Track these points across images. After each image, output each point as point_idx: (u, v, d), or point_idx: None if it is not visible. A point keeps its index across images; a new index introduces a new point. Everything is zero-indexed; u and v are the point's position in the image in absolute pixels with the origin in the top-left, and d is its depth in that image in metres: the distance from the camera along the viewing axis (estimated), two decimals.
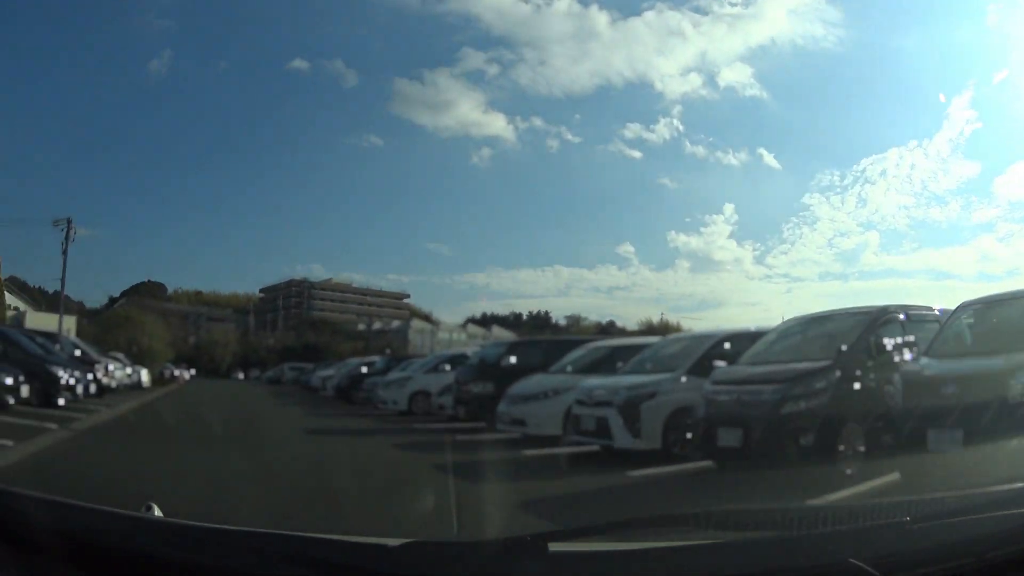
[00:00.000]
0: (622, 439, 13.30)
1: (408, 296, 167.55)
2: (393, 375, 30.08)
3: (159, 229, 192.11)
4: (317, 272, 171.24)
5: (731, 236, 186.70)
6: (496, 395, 18.89)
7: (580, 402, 14.64)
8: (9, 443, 12.83)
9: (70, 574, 1.76)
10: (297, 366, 76.44)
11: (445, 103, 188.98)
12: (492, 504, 8.03)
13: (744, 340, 14.28)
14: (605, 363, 17.35)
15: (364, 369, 37.87)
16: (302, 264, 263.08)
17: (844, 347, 11.41)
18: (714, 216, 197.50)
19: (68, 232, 55.31)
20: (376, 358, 42.34)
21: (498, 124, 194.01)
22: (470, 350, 29.70)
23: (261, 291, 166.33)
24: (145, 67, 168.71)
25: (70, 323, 58.63)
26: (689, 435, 12.73)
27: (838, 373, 11.18)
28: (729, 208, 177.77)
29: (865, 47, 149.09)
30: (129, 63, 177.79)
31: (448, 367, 26.77)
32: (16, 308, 65.97)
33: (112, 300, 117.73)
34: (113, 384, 32.55)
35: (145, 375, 45.69)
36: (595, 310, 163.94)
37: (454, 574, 1.68)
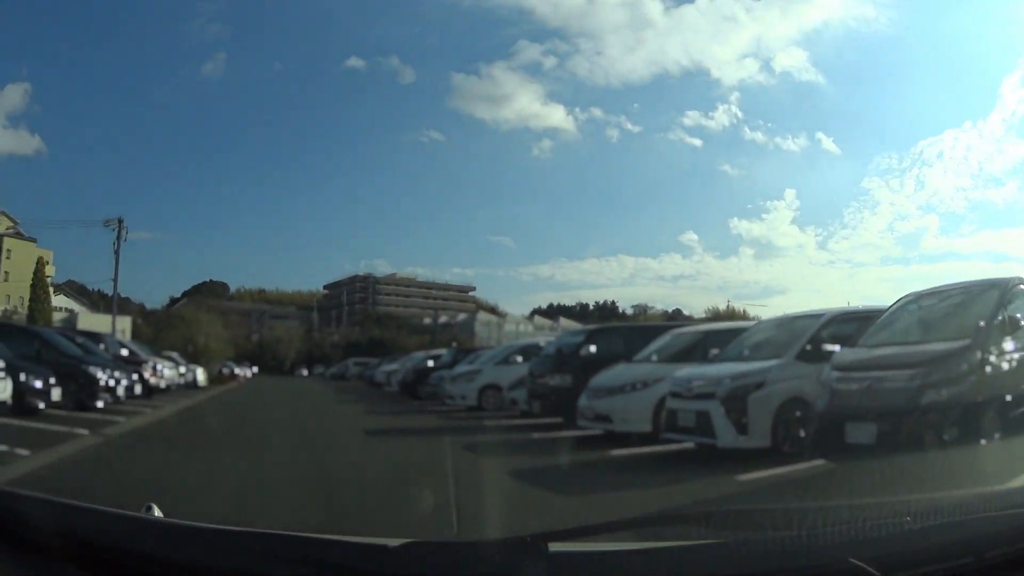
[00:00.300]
0: (726, 436, 11.91)
1: (474, 289, 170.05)
2: (461, 368, 28.53)
3: (221, 230, 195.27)
4: (381, 268, 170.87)
5: (793, 222, 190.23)
6: (575, 388, 17.28)
7: (676, 395, 13.20)
8: (25, 452, 11.67)
9: (70, 574, 1.79)
10: (361, 361, 75.76)
11: (503, 96, 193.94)
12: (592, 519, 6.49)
13: (852, 321, 12.87)
14: (695, 351, 15.90)
15: (430, 363, 36.28)
16: (366, 260, 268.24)
17: (982, 323, 9.87)
18: (775, 202, 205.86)
19: (119, 232, 54.33)
20: (442, 351, 40.50)
21: (557, 116, 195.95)
22: (542, 340, 28.29)
23: (325, 287, 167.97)
24: (199, 70, 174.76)
25: (125, 324, 58.57)
26: (804, 430, 11.32)
27: (979, 354, 9.63)
28: (790, 193, 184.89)
29: (916, 28, 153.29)
30: (182, 67, 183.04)
31: (520, 359, 25.18)
32: (69, 310, 65.99)
33: (173, 301, 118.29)
34: (162, 384, 31.56)
35: (201, 374, 44.72)
36: (660, 299, 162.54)
37: (454, 574, 1.68)
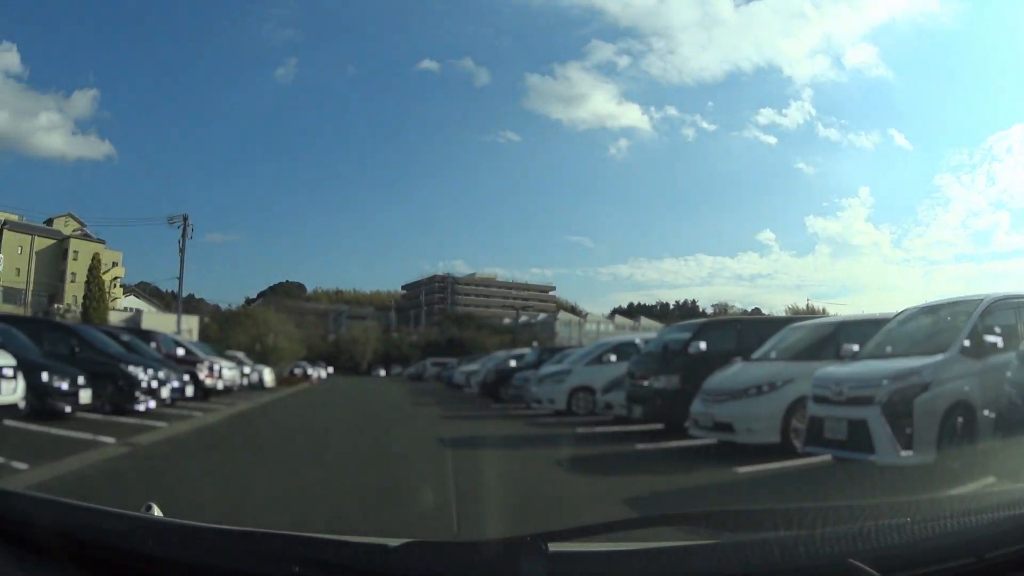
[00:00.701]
0: (886, 451, 9.98)
1: (554, 288, 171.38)
2: (548, 369, 26.15)
3: (298, 233, 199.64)
4: (459, 268, 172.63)
5: (868, 219, 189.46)
6: (682, 391, 15.79)
7: (821, 399, 11.13)
8: (23, 466, 10.23)
9: (70, 574, 1.80)
10: (439, 361, 74.43)
11: (578, 96, 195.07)
12: None
13: (1010, 308, 11.41)
14: (826, 346, 13.93)
15: (512, 363, 34.17)
16: (444, 261, 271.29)
17: None
18: (850, 199, 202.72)
19: (184, 229, 53.28)
20: (525, 350, 38.34)
21: (633, 115, 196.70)
22: (638, 338, 25.42)
23: (403, 288, 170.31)
24: (271, 76, 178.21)
25: (192, 324, 57.71)
26: (970, 441, 9.83)
27: None
28: (864, 191, 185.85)
29: (981, 21, 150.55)
30: (254, 73, 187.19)
31: (614, 358, 22.99)
32: (135, 310, 65.56)
33: (248, 302, 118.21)
34: (220, 386, 29.45)
35: (268, 375, 43.20)
36: (738, 298, 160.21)
37: (454, 574, 1.66)
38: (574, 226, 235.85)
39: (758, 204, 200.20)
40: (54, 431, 13.93)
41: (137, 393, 18.90)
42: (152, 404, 19.42)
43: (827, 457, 11.35)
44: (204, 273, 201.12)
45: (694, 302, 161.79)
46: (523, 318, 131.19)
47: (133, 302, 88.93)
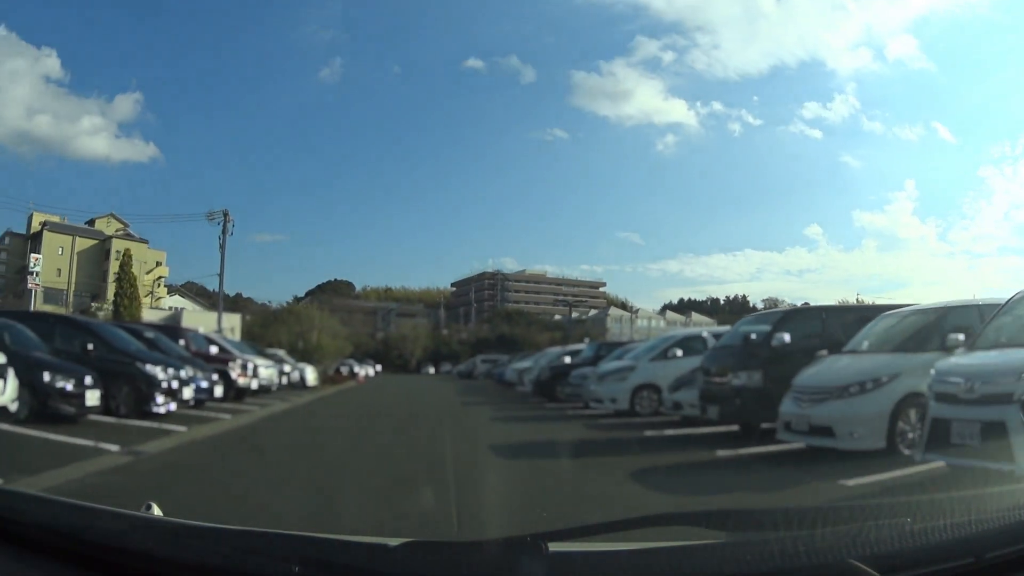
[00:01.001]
0: None
1: (604, 285, 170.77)
2: (609, 365, 24.00)
3: (346, 232, 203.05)
4: (509, 265, 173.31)
5: (914, 213, 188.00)
6: (765, 389, 14.35)
7: (944, 397, 9.41)
8: None
9: (70, 573, 1.82)
10: (490, 358, 73.06)
11: (625, 92, 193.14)
12: None
13: None
14: (930, 335, 12.26)
15: (567, 359, 32.18)
16: (493, 258, 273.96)
17: None
18: (896, 193, 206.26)
19: (224, 225, 51.95)
20: (581, 346, 36.33)
21: (679, 110, 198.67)
22: (705, 331, 23.53)
23: (453, 285, 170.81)
24: (316, 76, 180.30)
25: (235, 322, 56.18)
26: None
27: None
28: (910, 184, 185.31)
29: (1019, 10, 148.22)
30: (299, 74, 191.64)
31: (680, 352, 21.59)
32: (177, 309, 65.02)
33: (297, 300, 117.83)
34: (254, 385, 27.56)
35: (311, 373, 41.30)
36: (787, 293, 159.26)
37: (454, 574, 1.66)
38: (623, 222, 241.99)
39: (805, 198, 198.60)
40: (52, 436, 12.61)
41: (154, 394, 17.29)
42: (173, 406, 17.82)
43: (940, 464, 9.56)
44: (253, 273, 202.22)
45: (744, 297, 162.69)
46: (574, 314, 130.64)
47: (178, 301, 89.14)
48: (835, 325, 15.41)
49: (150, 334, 21.99)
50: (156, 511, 2.11)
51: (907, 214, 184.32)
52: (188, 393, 18.86)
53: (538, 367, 35.19)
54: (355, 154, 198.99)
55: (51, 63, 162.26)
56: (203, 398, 20.55)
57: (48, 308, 58.00)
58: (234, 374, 25.24)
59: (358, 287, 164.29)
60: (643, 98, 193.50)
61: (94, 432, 13.31)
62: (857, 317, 15.09)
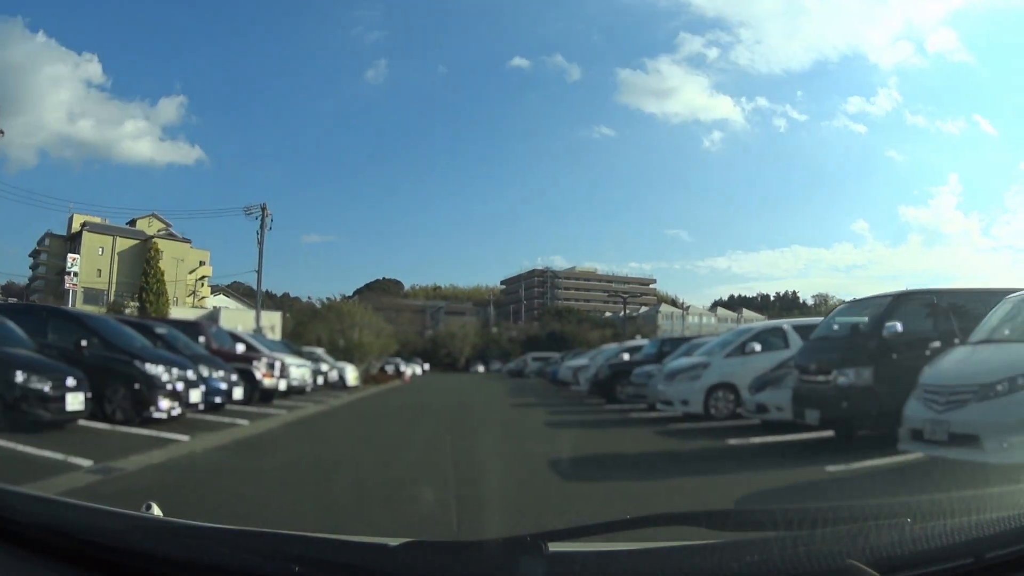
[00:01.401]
0: None
1: (654, 281, 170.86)
2: (678, 362, 21.43)
3: (394, 231, 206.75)
4: (557, 263, 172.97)
5: (957, 207, 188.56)
6: (875, 388, 12.37)
7: None
8: None
9: (70, 573, 1.80)
10: (541, 356, 70.59)
11: (670, 89, 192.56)
12: None
13: None
14: None
15: (626, 356, 30.12)
16: (542, 256, 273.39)
17: None
18: (940, 187, 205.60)
19: (263, 220, 50.16)
20: (641, 341, 34.02)
21: (725, 107, 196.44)
22: (785, 324, 20.58)
23: (502, 283, 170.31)
24: (363, 77, 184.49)
25: (275, 320, 54.95)
26: None
27: None
28: (953, 178, 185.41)
29: None
30: (345, 75, 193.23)
31: (758, 347, 19.06)
32: (216, 308, 64.48)
33: (345, 299, 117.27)
34: (282, 386, 25.21)
35: (351, 372, 39.46)
36: (835, 289, 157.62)
37: (454, 574, 1.64)
38: (671, 219, 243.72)
39: (851, 193, 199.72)
40: (18, 447, 11.02)
41: (158, 397, 15.21)
42: (177, 410, 15.71)
43: None
44: (302, 274, 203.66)
45: (794, 293, 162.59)
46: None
47: (222, 301, 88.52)
48: (947, 311, 13.16)
49: (162, 330, 20.04)
50: (156, 511, 2.13)
51: (951, 208, 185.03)
52: (196, 396, 16.54)
53: (595, 365, 32.79)
54: (402, 154, 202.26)
55: (93, 68, 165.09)
56: (218, 401, 18.49)
57: (88, 308, 56.59)
58: (258, 374, 23.16)
59: (407, 286, 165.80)
60: (689, 95, 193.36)
61: (73, 442, 11.60)
62: (974, 302, 12.93)
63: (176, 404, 15.54)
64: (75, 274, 67.44)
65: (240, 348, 24.43)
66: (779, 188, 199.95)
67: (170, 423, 15.11)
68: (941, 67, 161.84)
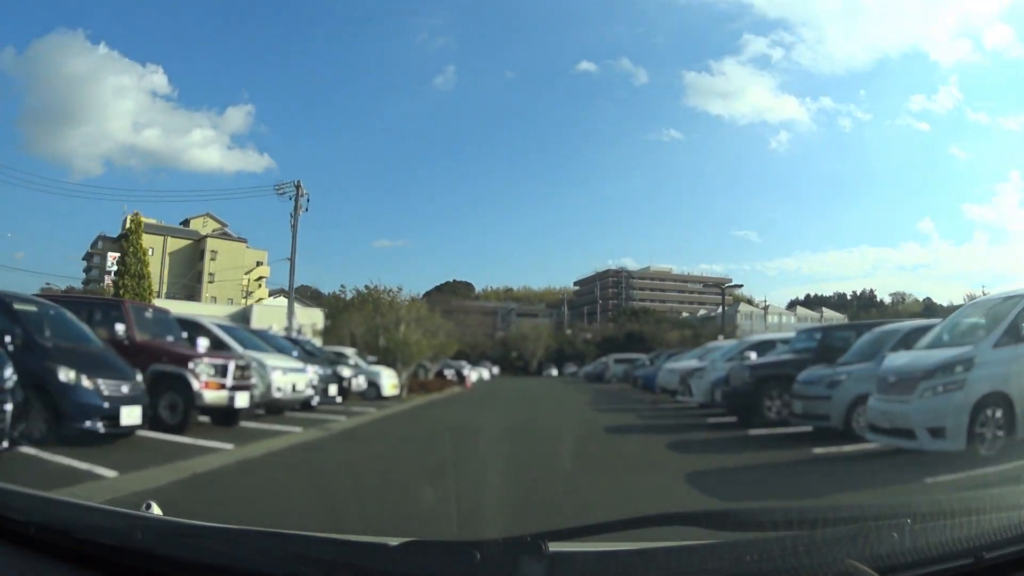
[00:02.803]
0: None
1: (730, 281, 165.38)
2: (894, 361, 12.62)
3: (465, 236, 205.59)
4: (628, 265, 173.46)
5: (1020, 204, 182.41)
6: None
7: None
8: None
9: (69, 572, 1.81)
10: (624, 358, 60.84)
11: (736, 91, 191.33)
12: None
13: None
14: None
15: (752, 355, 22.12)
16: (613, 259, 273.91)
17: None
18: (1002, 184, 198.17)
19: (296, 199, 45.05)
20: (779, 334, 28.12)
21: (790, 107, 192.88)
22: (937, 324, 13.68)
23: (576, 283, 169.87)
24: (431, 84, 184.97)
25: (316, 317, 49.91)
26: None
27: None
28: (1015, 175, 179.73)
29: None
30: (414, 82, 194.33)
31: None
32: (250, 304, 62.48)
33: (413, 300, 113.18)
34: (240, 401, 15.75)
35: (388, 379, 31.57)
36: (903, 289, 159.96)
37: (454, 574, 1.65)
38: (740, 221, 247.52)
39: (916, 192, 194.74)
40: None
41: (80, 414, 11.51)
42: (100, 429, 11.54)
43: None
44: (372, 279, 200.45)
45: (872, 292, 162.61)
46: (701, 312, 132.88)
47: (281, 302, 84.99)
48: None
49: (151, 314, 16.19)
50: (156, 510, 2.10)
51: (1014, 206, 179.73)
52: (168, 413, 12.69)
53: (714, 368, 23.55)
54: (472, 159, 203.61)
55: (158, 79, 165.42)
56: (119, 431, 12.06)
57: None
58: (196, 383, 14.66)
59: (478, 288, 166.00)
60: (754, 96, 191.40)
61: None
62: None
63: (101, 423, 11.35)
64: (114, 272, 64.66)
65: (202, 345, 15.88)
66: (845, 188, 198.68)
67: (109, 447, 11.15)
68: (1000, 63, 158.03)
